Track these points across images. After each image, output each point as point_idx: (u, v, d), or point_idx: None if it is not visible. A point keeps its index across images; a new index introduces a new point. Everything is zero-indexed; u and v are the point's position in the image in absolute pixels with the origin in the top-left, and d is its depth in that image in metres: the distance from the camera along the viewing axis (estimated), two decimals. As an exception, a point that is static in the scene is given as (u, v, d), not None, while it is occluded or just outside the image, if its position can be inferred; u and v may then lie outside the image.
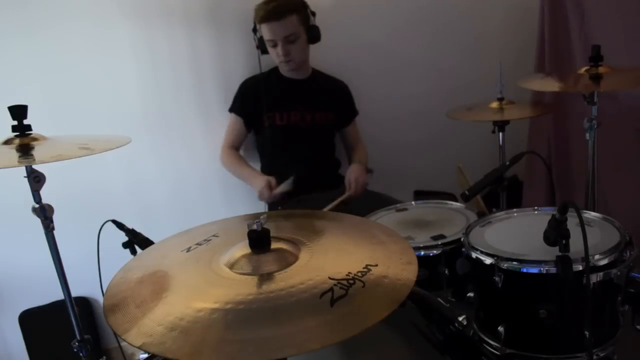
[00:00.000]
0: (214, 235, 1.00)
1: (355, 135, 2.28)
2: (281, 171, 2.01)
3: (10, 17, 1.93)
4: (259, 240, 0.86)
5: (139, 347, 0.68)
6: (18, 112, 1.24)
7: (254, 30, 2.00)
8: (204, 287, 0.81)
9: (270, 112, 2.06)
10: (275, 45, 1.96)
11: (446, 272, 1.41)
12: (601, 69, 1.59)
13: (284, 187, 1.92)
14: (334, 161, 2.25)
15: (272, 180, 1.94)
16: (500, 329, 1.18)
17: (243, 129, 2.13)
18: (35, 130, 1.28)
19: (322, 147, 2.20)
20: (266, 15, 1.90)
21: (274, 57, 2.01)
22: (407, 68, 2.43)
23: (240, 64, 2.18)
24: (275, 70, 2.12)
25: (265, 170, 2.14)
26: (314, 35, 2.01)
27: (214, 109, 2.22)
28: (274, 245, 0.88)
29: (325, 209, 1.85)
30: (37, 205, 1.24)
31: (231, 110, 2.13)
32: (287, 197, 1.97)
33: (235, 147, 2.16)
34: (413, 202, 1.79)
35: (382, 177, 2.20)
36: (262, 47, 2.00)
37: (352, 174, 2.00)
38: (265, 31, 1.94)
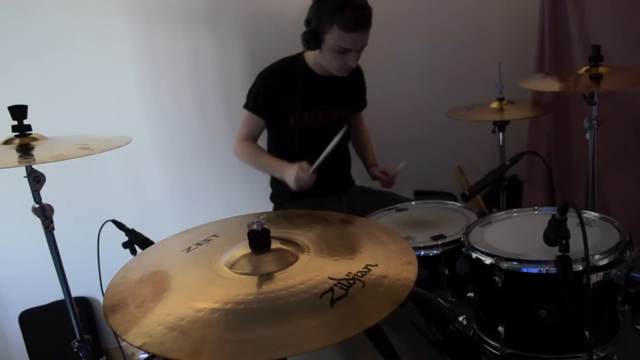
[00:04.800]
0: (213, 235, 1.00)
1: (360, 117, 2.21)
2: None
3: (11, 18, 1.93)
4: (259, 240, 0.86)
5: (139, 347, 0.68)
6: (18, 112, 1.24)
7: (308, 22, 1.78)
8: (204, 287, 0.81)
9: (297, 110, 1.87)
10: (344, 53, 1.76)
11: (446, 272, 1.41)
12: (601, 69, 1.59)
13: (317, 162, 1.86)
14: (349, 159, 2.16)
15: (304, 164, 1.79)
16: (500, 329, 1.18)
17: (262, 127, 1.95)
18: (35, 130, 1.28)
19: (344, 146, 2.10)
20: (356, 25, 1.70)
21: (337, 62, 1.79)
22: (407, 68, 2.43)
23: (240, 64, 2.18)
24: (300, 63, 1.91)
25: None
26: None
27: (214, 109, 2.22)
28: (274, 245, 0.88)
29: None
30: (37, 205, 1.24)
31: (251, 109, 1.91)
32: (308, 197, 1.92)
33: (252, 140, 1.99)
34: (413, 202, 1.79)
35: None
36: (315, 44, 1.77)
37: (384, 170, 2.04)
38: (343, 38, 1.71)
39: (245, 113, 1.93)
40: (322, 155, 1.75)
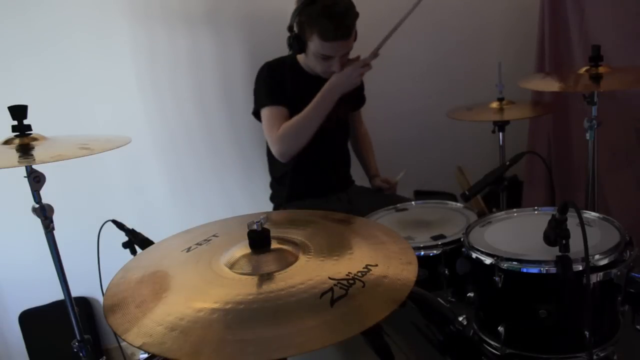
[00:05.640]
0: (214, 235, 1.00)
1: (359, 117, 2.19)
2: (303, 176, 1.94)
3: (11, 17, 1.93)
4: (259, 240, 0.86)
5: (139, 347, 0.68)
6: (18, 112, 1.24)
7: (290, 29, 1.77)
8: (204, 287, 0.81)
9: (295, 112, 1.81)
10: (328, 59, 1.75)
11: (446, 272, 1.41)
12: (601, 69, 1.59)
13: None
14: (349, 158, 2.15)
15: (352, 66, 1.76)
16: (500, 329, 1.18)
17: (288, 117, 1.82)
18: (35, 130, 1.28)
19: (344, 145, 2.10)
20: (337, 35, 1.68)
21: (321, 67, 1.79)
22: (407, 68, 2.42)
23: (240, 64, 2.18)
24: (293, 63, 1.89)
25: (282, 174, 1.99)
26: None
27: (214, 109, 2.21)
28: (274, 245, 0.88)
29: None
30: (37, 205, 1.25)
31: (270, 102, 1.83)
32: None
33: None
34: (413, 202, 1.79)
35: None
36: (299, 48, 1.77)
37: (385, 179, 2.06)
38: (324, 47, 1.71)
39: (265, 111, 1.84)
40: (393, 27, 1.74)
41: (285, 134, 1.78)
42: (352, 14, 1.72)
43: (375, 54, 1.78)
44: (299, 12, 1.72)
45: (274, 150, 1.82)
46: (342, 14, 1.69)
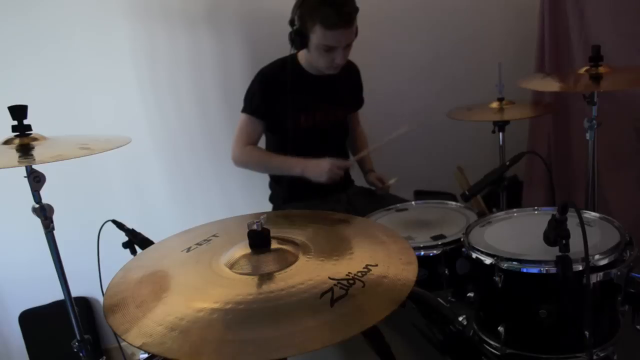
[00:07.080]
0: (214, 235, 1.00)
1: (356, 117, 2.19)
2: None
3: (12, 17, 1.93)
4: (259, 240, 0.86)
5: (139, 347, 0.68)
6: (18, 112, 1.24)
7: (291, 23, 1.76)
8: (204, 287, 0.81)
9: (294, 112, 1.83)
10: (331, 50, 1.74)
11: (446, 272, 1.41)
12: (601, 69, 1.59)
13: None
14: (347, 159, 2.13)
15: (335, 160, 1.80)
16: (500, 329, 1.18)
17: (262, 130, 1.92)
18: (35, 130, 1.28)
19: (343, 146, 2.10)
20: (337, 22, 1.68)
21: (325, 60, 1.78)
22: (408, 68, 2.43)
23: (240, 64, 2.18)
24: (293, 64, 1.89)
25: (281, 175, 1.98)
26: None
27: (214, 109, 2.22)
28: (274, 245, 0.88)
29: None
30: (37, 205, 1.25)
31: (249, 112, 1.88)
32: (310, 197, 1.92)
33: (252, 145, 1.94)
34: (413, 202, 1.79)
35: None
36: (301, 43, 1.76)
37: (380, 177, 2.05)
38: (326, 36, 1.70)
39: (243, 116, 1.90)
40: (374, 146, 1.78)
41: (246, 154, 1.90)
42: (351, 2, 1.73)
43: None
44: (299, 5, 1.73)
45: (231, 154, 1.92)
46: (342, 1, 1.70)
